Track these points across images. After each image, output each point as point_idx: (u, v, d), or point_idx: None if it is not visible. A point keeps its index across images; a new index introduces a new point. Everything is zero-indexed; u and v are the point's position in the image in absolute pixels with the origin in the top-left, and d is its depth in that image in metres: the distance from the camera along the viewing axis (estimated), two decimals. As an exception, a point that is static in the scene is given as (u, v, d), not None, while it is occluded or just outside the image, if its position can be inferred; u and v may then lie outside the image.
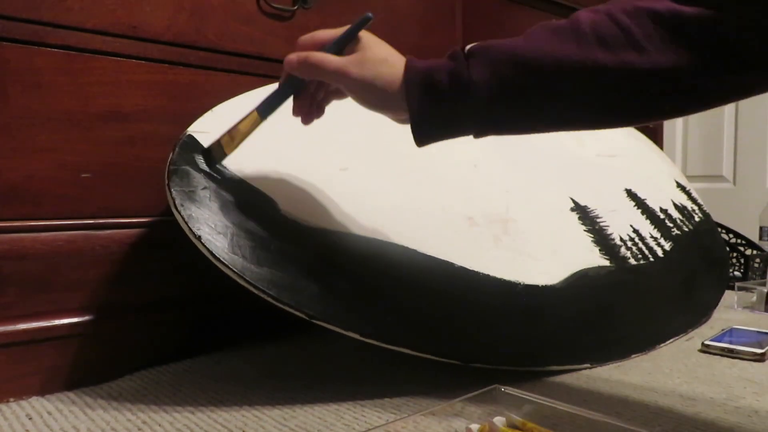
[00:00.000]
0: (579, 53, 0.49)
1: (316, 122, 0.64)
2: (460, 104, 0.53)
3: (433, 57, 0.59)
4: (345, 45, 0.58)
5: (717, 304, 1.00)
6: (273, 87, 0.64)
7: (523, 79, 0.51)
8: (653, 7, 0.49)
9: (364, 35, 0.58)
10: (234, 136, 0.63)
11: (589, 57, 0.49)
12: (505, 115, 0.54)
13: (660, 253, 0.98)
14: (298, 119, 0.63)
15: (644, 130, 1.30)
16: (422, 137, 0.56)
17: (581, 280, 0.84)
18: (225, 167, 0.67)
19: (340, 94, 0.62)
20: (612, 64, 0.49)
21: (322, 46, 0.59)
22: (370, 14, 0.58)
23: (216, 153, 0.65)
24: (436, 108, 0.54)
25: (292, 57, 0.57)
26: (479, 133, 0.55)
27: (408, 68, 0.55)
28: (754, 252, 1.33)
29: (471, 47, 0.54)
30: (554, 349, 0.74)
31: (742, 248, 1.34)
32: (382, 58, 0.56)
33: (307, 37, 0.60)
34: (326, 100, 0.63)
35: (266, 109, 0.62)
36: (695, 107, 0.52)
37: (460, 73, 0.52)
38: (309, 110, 0.62)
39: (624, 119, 0.55)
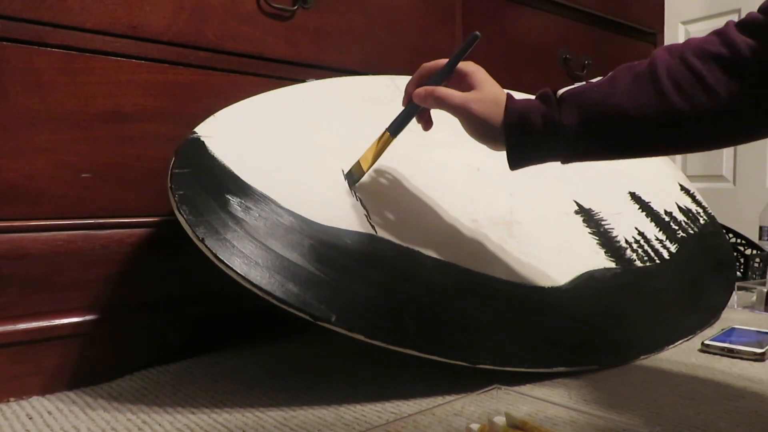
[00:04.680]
0: (657, 101, 0.57)
1: (318, 126, 0.65)
2: (550, 141, 0.62)
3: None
4: (458, 61, 0.66)
5: (725, 306, 1.00)
6: (275, 91, 0.64)
7: (607, 125, 0.60)
8: (720, 53, 0.55)
9: (480, 74, 0.66)
10: (368, 156, 0.72)
11: (666, 104, 0.56)
12: (590, 149, 0.63)
13: (666, 255, 0.98)
14: (298, 125, 0.66)
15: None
16: (515, 165, 0.65)
17: (587, 282, 0.84)
18: (229, 167, 0.67)
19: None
20: (687, 109, 0.56)
21: (438, 72, 0.67)
22: (477, 33, 0.65)
23: (356, 171, 0.73)
24: (530, 143, 0.63)
25: (420, 91, 0.67)
26: (565, 161, 0.65)
27: (507, 109, 0.63)
28: (754, 252, 1.33)
29: (562, 93, 0.62)
30: (562, 351, 0.74)
31: (742, 248, 1.34)
32: (494, 98, 0.64)
33: (426, 65, 0.68)
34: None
35: (396, 128, 0.71)
36: (750, 137, 0.59)
37: (552, 116, 0.61)
38: (427, 119, 0.71)
39: (695, 150, 0.64)
